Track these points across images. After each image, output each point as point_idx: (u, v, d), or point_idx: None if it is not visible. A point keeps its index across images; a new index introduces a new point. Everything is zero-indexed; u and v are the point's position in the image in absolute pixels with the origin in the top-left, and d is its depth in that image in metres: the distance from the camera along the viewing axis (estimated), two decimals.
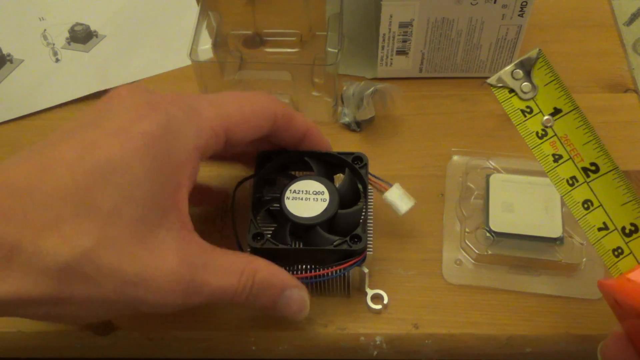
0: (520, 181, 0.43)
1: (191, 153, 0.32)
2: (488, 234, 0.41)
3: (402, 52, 0.49)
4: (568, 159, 0.33)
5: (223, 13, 0.50)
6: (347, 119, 0.48)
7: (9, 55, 0.54)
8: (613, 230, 0.32)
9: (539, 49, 0.34)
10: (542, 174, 0.44)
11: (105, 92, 0.51)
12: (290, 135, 0.38)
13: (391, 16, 0.46)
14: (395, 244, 0.43)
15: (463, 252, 0.42)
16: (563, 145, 0.33)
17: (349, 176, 0.39)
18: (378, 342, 0.40)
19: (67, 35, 0.55)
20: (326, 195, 0.37)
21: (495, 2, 0.45)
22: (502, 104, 0.34)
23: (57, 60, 0.54)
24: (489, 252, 0.41)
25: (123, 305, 0.31)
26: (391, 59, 0.50)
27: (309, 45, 0.51)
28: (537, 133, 0.34)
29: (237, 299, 0.33)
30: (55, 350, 0.41)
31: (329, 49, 0.45)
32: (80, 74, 0.53)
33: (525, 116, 0.34)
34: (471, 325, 0.40)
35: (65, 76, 0.52)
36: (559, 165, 0.33)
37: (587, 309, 0.40)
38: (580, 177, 0.33)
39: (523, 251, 0.41)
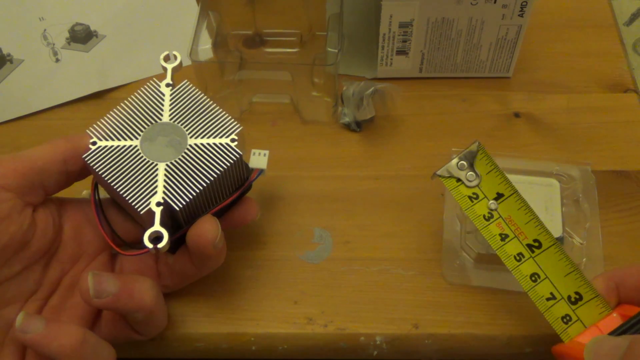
0: (520, 181, 0.43)
1: None
2: None
3: (402, 52, 0.49)
4: (513, 238, 0.36)
5: (223, 13, 0.50)
6: (347, 119, 0.48)
7: (9, 55, 0.54)
8: (560, 300, 0.35)
9: (478, 142, 0.38)
10: (542, 174, 0.44)
11: (105, 92, 0.51)
12: None
13: (391, 16, 0.46)
14: (395, 244, 0.43)
15: (463, 252, 0.42)
16: (508, 226, 0.37)
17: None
18: (378, 342, 0.40)
19: (67, 35, 0.55)
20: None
21: (495, 2, 0.45)
22: (451, 191, 0.38)
23: (57, 60, 0.54)
24: (489, 252, 0.41)
25: None
26: (391, 59, 0.50)
27: (309, 45, 0.51)
28: (484, 216, 0.37)
29: None
30: None
31: (329, 49, 0.45)
32: (80, 74, 0.53)
33: (472, 201, 0.37)
34: (471, 325, 0.40)
35: (65, 76, 0.52)
36: (506, 243, 0.36)
37: None
38: (526, 253, 0.36)
39: None
